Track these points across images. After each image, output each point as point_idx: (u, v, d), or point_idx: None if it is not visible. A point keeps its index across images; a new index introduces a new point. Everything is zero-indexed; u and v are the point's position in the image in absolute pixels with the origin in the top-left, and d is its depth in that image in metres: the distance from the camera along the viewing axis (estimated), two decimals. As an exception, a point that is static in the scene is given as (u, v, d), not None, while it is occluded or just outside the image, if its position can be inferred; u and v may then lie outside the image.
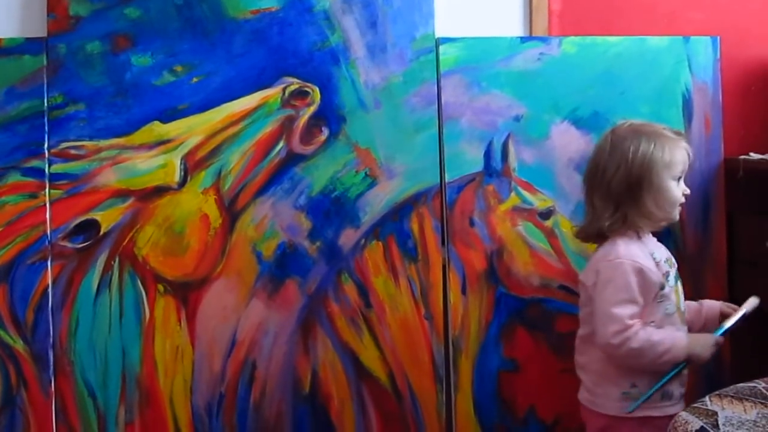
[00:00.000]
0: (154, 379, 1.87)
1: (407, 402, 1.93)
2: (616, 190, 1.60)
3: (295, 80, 1.92)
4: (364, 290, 1.92)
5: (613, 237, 1.63)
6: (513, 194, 1.95)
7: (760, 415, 1.19)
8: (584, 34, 2.00)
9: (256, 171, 1.90)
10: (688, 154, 1.64)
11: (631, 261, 1.58)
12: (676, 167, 1.62)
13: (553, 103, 1.96)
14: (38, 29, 1.89)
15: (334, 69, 1.93)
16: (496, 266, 1.95)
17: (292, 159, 1.91)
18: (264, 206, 1.90)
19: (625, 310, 1.55)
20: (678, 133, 1.66)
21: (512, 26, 2.04)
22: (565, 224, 1.96)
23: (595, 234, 1.67)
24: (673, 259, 1.68)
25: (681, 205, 1.65)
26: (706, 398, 1.25)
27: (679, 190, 1.63)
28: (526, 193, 1.96)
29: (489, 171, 1.95)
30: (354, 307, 1.92)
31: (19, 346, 1.83)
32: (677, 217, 1.67)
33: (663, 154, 1.60)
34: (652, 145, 1.60)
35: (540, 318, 1.95)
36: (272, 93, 1.91)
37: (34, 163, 1.85)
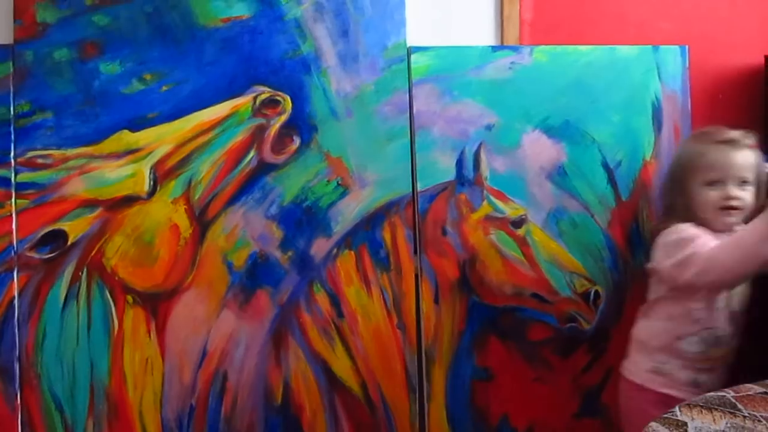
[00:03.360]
0: (123, 392, 1.84)
1: (380, 412, 1.92)
2: (664, 192, 1.78)
3: (266, 89, 1.91)
4: (336, 300, 1.91)
5: None
6: (485, 203, 1.95)
7: (729, 425, 1.19)
8: (555, 44, 2.01)
9: (226, 180, 1.88)
10: (746, 160, 1.63)
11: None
12: (707, 172, 1.63)
13: (525, 112, 1.97)
14: (4, 36, 1.86)
15: (305, 77, 1.92)
16: (468, 275, 1.94)
17: (263, 168, 1.90)
18: (235, 216, 1.88)
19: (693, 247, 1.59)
20: (730, 139, 1.64)
21: (484, 35, 2.04)
22: (537, 233, 1.96)
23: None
24: None
25: (734, 210, 1.63)
26: (676, 408, 1.26)
27: (715, 195, 1.63)
28: (498, 202, 1.96)
29: (461, 180, 1.95)
30: (326, 317, 1.91)
31: (-17, 358, 1.79)
32: (728, 223, 1.65)
33: (694, 158, 1.64)
34: (689, 149, 1.68)
35: (513, 327, 1.96)
36: (243, 102, 1.90)
37: (0, 171, 1.81)
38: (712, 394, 1.33)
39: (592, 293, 1.98)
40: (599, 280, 1.99)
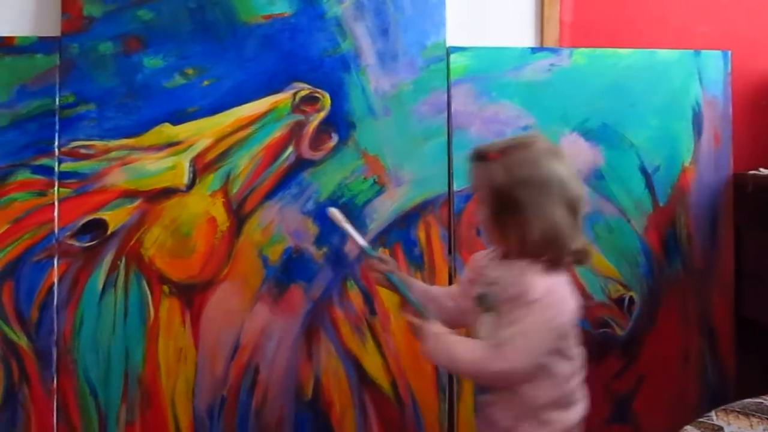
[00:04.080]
0: (156, 380, 1.86)
1: (409, 410, 1.92)
2: None
3: (306, 86, 1.92)
4: (368, 297, 1.91)
5: None
6: (520, 204, 1.94)
7: (766, 431, 1.18)
8: (595, 46, 2.00)
9: (264, 175, 1.90)
10: (475, 175, 1.43)
11: None
12: None
13: (562, 114, 1.96)
14: (52, 29, 1.90)
15: (344, 75, 1.93)
16: (501, 276, 1.93)
17: (301, 164, 1.91)
18: (271, 211, 1.90)
19: None
20: (472, 153, 1.43)
21: (523, 37, 2.04)
22: (571, 236, 1.95)
23: None
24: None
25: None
26: (712, 413, 1.24)
27: None
28: (533, 204, 1.95)
29: (497, 181, 1.94)
30: (358, 314, 1.91)
31: (22, 342, 1.83)
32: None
33: None
34: None
35: (545, 329, 1.94)
36: (282, 98, 1.92)
37: (44, 161, 1.85)
38: (749, 400, 1.31)
39: (627, 299, 1.97)
40: (634, 286, 1.97)
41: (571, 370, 1.37)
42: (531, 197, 1.32)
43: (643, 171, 1.98)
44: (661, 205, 1.98)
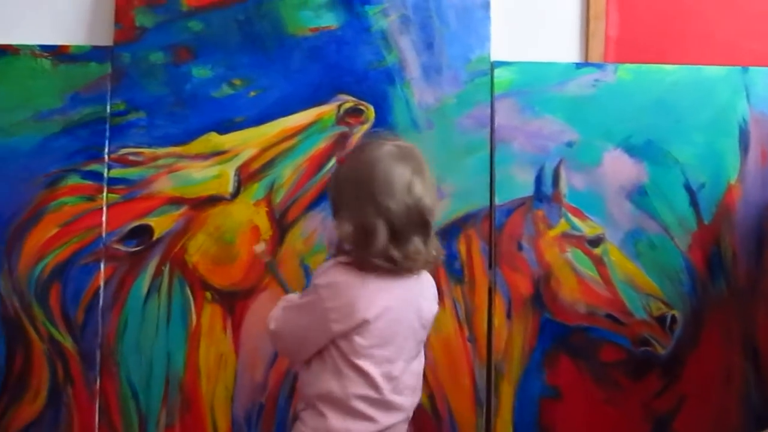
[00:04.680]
0: (196, 385, 1.89)
1: (446, 424, 1.92)
2: None
3: (350, 98, 1.94)
4: (408, 308, 1.91)
5: None
6: (562, 220, 1.94)
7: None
8: (640, 62, 1.99)
9: (307, 185, 1.92)
10: None
11: None
12: None
13: (606, 130, 1.96)
14: (105, 38, 1.95)
15: (389, 88, 1.95)
16: (542, 292, 1.93)
17: (344, 175, 1.92)
18: (314, 221, 1.92)
19: None
20: None
21: (568, 52, 2.04)
22: (614, 252, 1.94)
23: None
24: None
25: None
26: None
27: None
28: (575, 220, 1.94)
29: (539, 196, 1.94)
30: (397, 325, 1.91)
31: (68, 343, 1.87)
32: None
33: None
34: None
35: (584, 346, 1.93)
36: (327, 110, 1.94)
37: (94, 166, 1.90)
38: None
39: (669, 317, 1.94)
40: (676, 304, 1.95)
41: (377, 372, 1.42)
42: (348, 197, 1.45)
43: (688, 188, 1.96)
44: (705, 223, 1.96)
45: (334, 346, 1.44)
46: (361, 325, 1.42)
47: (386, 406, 1.45)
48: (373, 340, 1.43)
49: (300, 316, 1.48)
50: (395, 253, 1.42)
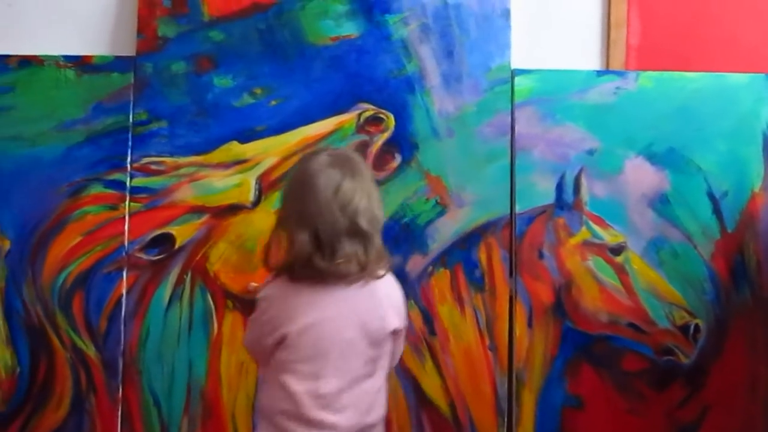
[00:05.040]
0: (217, 393, 1.89)
1: (467, 433, 1.91)
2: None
3: (371, 106, 1.95)
4: (428, 317, 1.92)
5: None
6: (584, 228, 1.93)
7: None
8: (662, 69, 1.98)
9: (327, 193, 1.92)
10: None
11: None
12: None
13: (628, 138, 1.95)
14: (127, 48, 1.97)
15: (409, 97, 1.95)
16: (563, 300, 1.92)
17: (364, 183, 1.93)
18: (334, 228, 1.92)
19: None
20: None
21: (589, 59, 2.04)
22: (636, 261, 1.93)
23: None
24: None
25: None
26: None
27: None
28: (597, 228, 1.93)
29: (560, 204, 1.94)
30: (418, 334, 1.91)
31: (90, 352, 1.88)
32: None
33: None
34: None
35: (607, 355, 1.92)
36: (347, 118, 1.95)
37: (116, 175, 1.91)
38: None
39: (692, 326, 1.93)
40: (700, 313, 1.93)
41: (298, 389, 1.41)
42: (282, 210, 1.49)
43: (711, 196, 1.94)
44: (729, 231, 1.94)
45: (272, 359, 1.45)
46: (283, 340, 1.42)
47: (309, 423, 1.40)
48: (295, 355, 1.42)
49: (251, 330, 1.51)
50: (320, 262, 1.39)
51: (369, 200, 1.44)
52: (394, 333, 1.49)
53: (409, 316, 1.85)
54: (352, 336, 1.43)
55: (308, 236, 1.40)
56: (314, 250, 1.40)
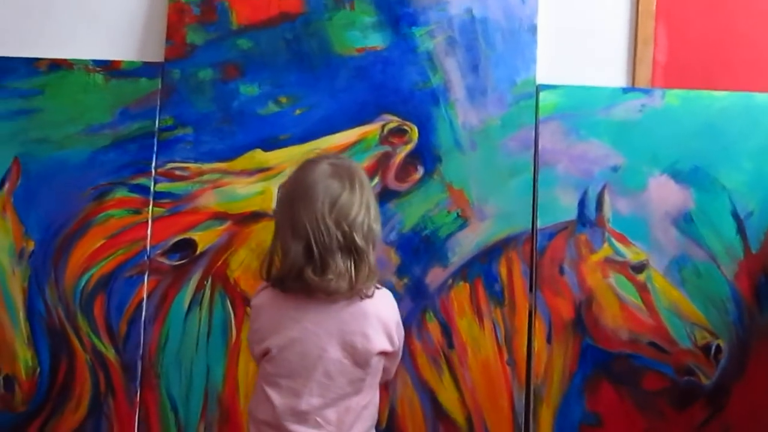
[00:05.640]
0: (234, 400, 1.89)
1: (483, 447, 1.90)
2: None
3: (395, 118, 1.95)
4: (447, 330, 1.91)
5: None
6: (606, 245, 1.92)
7: None
8: (688, 87, 1.97)
9: (349, 203, 1.93)
10: None
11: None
12: None
13: (653, 155, 1.94)
14: (156, 54, 1.99)
15: (433, 109, 1.95)
16: (583, 316, 1.91)
17: (386, 195, 1.93)
18: (355, 238, 1.92)
19: None
20: None
21: (615, 76, 2.03)
22: (658, 279, 1.91)
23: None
24: None
25: None
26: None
27: None
28: (619, 245, 1.92)
29: (582, 220, 1.93)
30: (436, 347, 1.91)
31: (110, 354, 1.89)
32: None
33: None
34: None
35: (627, 373, 1.90)
36: (371, 129, 1.95)
37: (141, 180, 1.93)
38: None
39: (714, 347, 1.90)
40: (722, 333, 1.91)
41: (279, 402, 1.40)
42: (278, 218, 1.47)
43: (735, 216, 1.93)
44: (753, 251, 1.92)
45: (260, 368, 1.46)
46: (267, 353, 1.42)
47: None
48: (278, 369, 1.41)
49: (248, 335, 1.53)
50: (311, 275, 1.36)
51: (367, 214, 1.40)
52: (385, 354, 1.46)
53: (427, 329, 1.86)
54: (336, 355, 1.40)
55: (301, 248, 1.37)
56: (306, 263, 1.36)
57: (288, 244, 1.38)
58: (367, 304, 1.42)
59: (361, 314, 1.41)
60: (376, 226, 1.43)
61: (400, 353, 1.56)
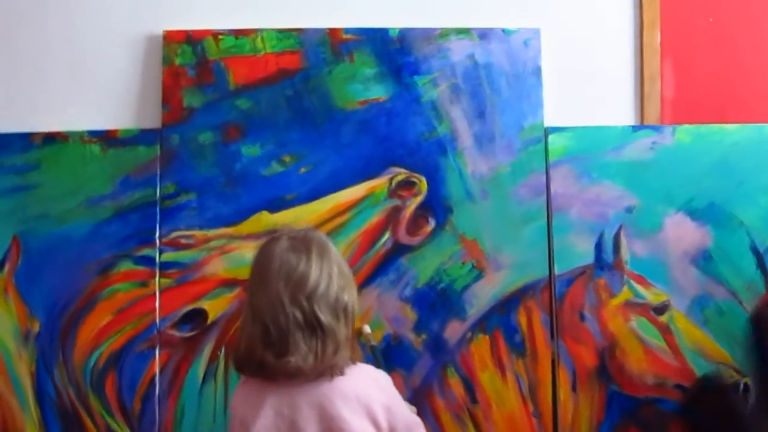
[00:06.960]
0: (257, 473, 1.84)
1: (513, 503, 1.86)
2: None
3: (402, 170, 1.91)
4: (470, 385, 1.87)
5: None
6: (625, 288, 1.89)
7: None
8: (699, 122, 1.94)
9: (362, 261, 1.89)
10: None
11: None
12: None
13: (667, 194, 1.91)
14: (153, 121, 1.93)
15: (441, 159, 1.91)
16: (607, 363, 1.87)
17: (398, 250, 1.89)
18: (369, 297, 1.88)
19: None
20: None
21: (623, 115, 2.00)
22: (680, 320, 1.88)
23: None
24: None
25: None
26: None
27: None
28: (639, 287, 1.89)
29: (600, 264, 1.89)
30: (459, 403, 1.87)
31: (126, 435, 1.84)
32: None
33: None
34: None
35: (655, 419, 1.87)
36: (379, 183, 1.91)
37: (146, 251, 1.87)
38: None
39: (741, 386, 1.87)
40: (748, 371, 1.87)
41: None
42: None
43: (755, 251, 1.90)
44: (774, 286, 1.89)
45: None
46: None
47: None
48: None
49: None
50: (270, 359, 1.27)
51: (330, 282, 1.31)
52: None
53: (448, 385, 1.81)
54: None
55: (259, 332, 1.29)
56: (265, 347, 1.28)
57: (246, 330, 1.32)
58: (342, 382, 1.31)
59: (338, 395, 1.30)
60: (347, 295, 1.33)
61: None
